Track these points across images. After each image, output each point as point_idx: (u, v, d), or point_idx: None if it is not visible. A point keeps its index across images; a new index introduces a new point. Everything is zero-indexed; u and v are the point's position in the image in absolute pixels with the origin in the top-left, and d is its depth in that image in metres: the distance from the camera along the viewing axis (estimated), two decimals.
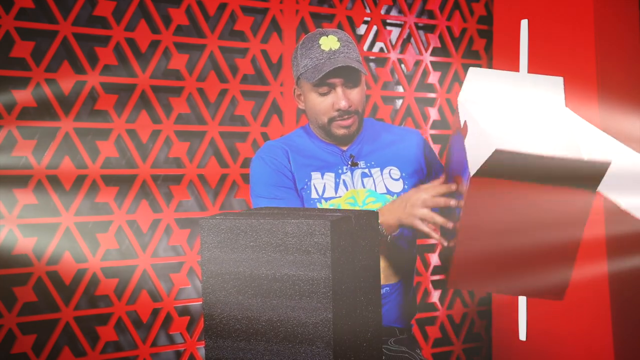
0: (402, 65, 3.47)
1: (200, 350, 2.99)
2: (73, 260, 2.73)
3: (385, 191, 1.96)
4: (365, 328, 1.40)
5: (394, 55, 3.41)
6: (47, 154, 2.71)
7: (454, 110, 3.60)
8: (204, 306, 1.33)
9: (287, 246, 1.27)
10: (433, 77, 3.52)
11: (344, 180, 1.96)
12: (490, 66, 3.65)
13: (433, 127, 3.53)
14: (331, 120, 1.92)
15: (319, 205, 1.95)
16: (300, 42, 1.94)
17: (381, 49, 3.43)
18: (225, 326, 1.32)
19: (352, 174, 1.97)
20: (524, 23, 3.32)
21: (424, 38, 3.54)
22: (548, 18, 3.27)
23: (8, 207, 2.64)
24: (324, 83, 1.88)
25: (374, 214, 1.46)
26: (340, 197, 1.94)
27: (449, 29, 3.59)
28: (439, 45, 3.54)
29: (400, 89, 3.47)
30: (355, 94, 1.91)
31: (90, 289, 2.81)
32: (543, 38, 3.28)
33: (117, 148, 2.86)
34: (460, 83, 3.60)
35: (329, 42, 1.89)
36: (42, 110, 2.74)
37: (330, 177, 1.96)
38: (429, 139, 3.48)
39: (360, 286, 1.38)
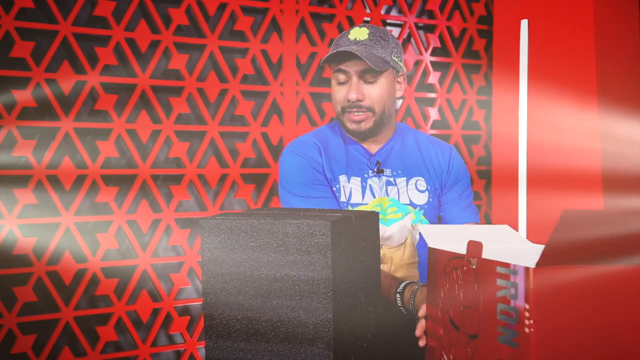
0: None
1: (200, 350, 2.99)
2: (73, 260, 2.73)
3: (408, 202, 1.92)
4: (365, 328, 1.40)
5: None
6: (47, 154, 2.71)
7: (454, 111, 3.60)
8: (204, 306, 1.33)
9: (288, 246, 1.27)
10: (433, 77, 3.52)
11: (370, 186, 1.91)
12: (490, 66, 3.65)
13: (433, 127, 3.53)
14: (343, 110, 1.88)
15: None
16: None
17: None
18: (226, 326, 1.32)
19: (378, 180, 1.92)
20: (524, 23, 3.32)
21: (424, 38, 3.54)
22: (548, 18, 3.27)
23: (8, 207, 2.64)
24: (340, 70, 1.85)
25: (374, 215, 1.46)
26: (367, 204, 1.90)
27: (449, 29, 3.59)
28: (439, 45, 3.54)
29: None
30: (372, 89, 1.85)
31: (90, 289, 2.81)
32: (543, 38, 3.28)
33: (117, 148, 2.86)
34: (461, 83, 3.60)
35: (359, 32, 1.85)
36: (42, 110, 2.74)
37: (356, 181, 1.92)
38: None
39: (361, 287, 1.38)
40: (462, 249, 1.31)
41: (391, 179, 1.93)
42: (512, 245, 1.42)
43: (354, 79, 1.85)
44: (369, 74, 1.85)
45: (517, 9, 3.40)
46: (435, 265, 1.39)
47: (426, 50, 3.51)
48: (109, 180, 2.85)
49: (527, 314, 1.12)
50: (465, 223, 1.95)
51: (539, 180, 3.28)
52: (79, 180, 2.77)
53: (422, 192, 1.94)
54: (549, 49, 3.26)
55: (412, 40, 3.49)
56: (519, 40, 3.34)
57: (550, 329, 1.12)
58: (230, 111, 3.09)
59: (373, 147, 1.96)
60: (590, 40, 3.11)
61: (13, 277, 2.66)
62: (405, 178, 1.94)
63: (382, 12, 3.43)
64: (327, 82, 3.24)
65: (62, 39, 2.75)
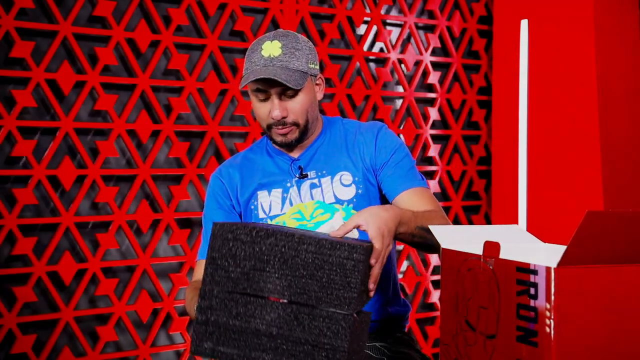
0: (402, 65, 3.47)
1: None
2: (73, 260, 2.73)
3: (334, 200, 1.88)
4: None
5: (394, 55, 3.41)
6: (47, 154, 2.71)
7: (454, 111, 3.60)
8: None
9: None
10: (433, 77, 3.52)
11: (290, 195, 1.90)
12: (490, 66, 3.66)
13: (433, 127, 3.53)
14: (269, 127, 1.86)
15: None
16: (254, 41, 1.87)
17: (381, 49, 3.43)
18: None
19: (299, 187, 1.90)
20: (524, 23, 3.32)
21: (424, 38, 3.54)
22: (548, 18, 3.27)
23: (8, 207, 2.64)
24: (258, 90, 1.82)
25: (367, 315, 1.49)
26: (284, 213, 1.89)
27: (449, 29, 3.59)
28: (439, 45, 3.54)
29: (400, 89, 3.47)
30: (294, 103, 1.83)
31: (90, 289, 2.81)
32: (543, 38, 3.28)
33: (117, 148, 2.86)
34: (461, 83, 3.60)
35: (271, 47, 1.81)
36: (42, 110, 2.74)
37: (277, 193, 1.91)
38: (429, 139, 3.48)
39: None
40: (476, 249, 1.31)
41: (315, 181, 1.90)
42: (525, 245, 1.43)
43: (274, 97, 1.82)
44: (289, 90, 1.82)
45: (517, 9, 3.41)
46: (449, 266, 1.39)
47: (426, 50, 3.51)
48: (109, 180, 2.85)
49: (548, 314, 1.13)
50: (407, 190, 1.86)
51: (539, 180, 3.28)
52: (79, 180, 2.77)
53: (348, 185, 1.90)
54: (549, 49, 3.26)
55: (412, 40, 3.49)
56: (519, 40, 3.34)
57: (571, 329, 1.13)
58: (230, 111, 3.09)
59: (297, 152, 1.93)
60: (590, 40, 3.11)
61: (13, 277, 2.67)
62: (330, 176, 1.91)
63: (382, 12, 3.43)
64: (326, 83, 3.23)
65: (62, 39, 2.75)
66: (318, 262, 1.34)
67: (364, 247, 1.35)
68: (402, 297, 2.04)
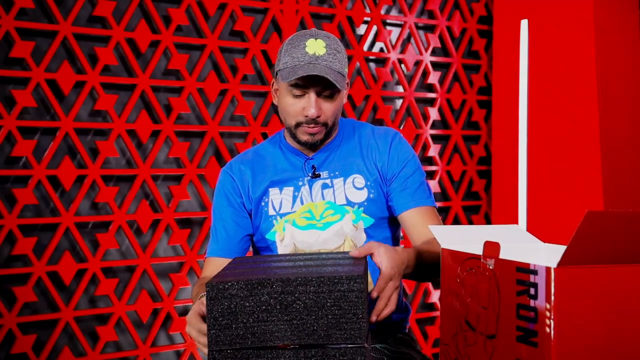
0: (402, 65, 3.47)
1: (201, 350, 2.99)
2: (73, 260, 2.73)
3: (345, 202, 1.88)
4: None
5: (394, 55, 3.41)
6: (47, 154, 2.71)
7: (454, 111, 3.60)
8: None
9: None
10: (433, 77, 3.52)
11: (302, 194, 1.89)
12: (490, 66, 3.66)
13: (433, 127, 3.53)
14: (298, 124, 1.85)
15: (275, 222, 1.89)
16: (290, 38, 1.87)
17: (381, 49, 3.43)
18: None
19: (310, 186, 1.90)
20: (524, 23, 3.32)
21: (424, 38, 3.54)
22: (548, 18, 3.27)
23: (8, 207, 2.64)
24: (298, 86, 1.81)
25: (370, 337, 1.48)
26: (294, 212, 1.88)
27: (449, 29, 3.59)
28: (439, 45, 3.54)
29: (400, 89, 3.47)
30: (329, 105, 1.83)
31: (90, 289, 2.81)
32: (543, 38, 3.28)
33: (117, 148, 2.86)
34: (461, 83, 3.60)
35: (316, 46, 1.81)
36: (42, 110, 2.74)
37: (288, 191, 1.90)
38: (429, 139, 3.48)
39: None
40: (476, 250, 1.31)
41: (328, 181, 1.90)
42: (525, 245, 1.43)
43: (312, 95, 1.82)
44: (327, 91, 1.82)
45: (517, 9, 3.41)
46: (448, 266, 1.39)
47: (426, 50, 3.51)
48: (109, 180, 2.85)
49: (548, 314, 1.13)
50: (414, 209, 1.87)
51: (539, 180, 3.28)
52: (79, 180, 2.77)
53: (360, 189, 1.90)
54: (549, 49, 3.26)
55: (412, 40, 3.49)
56: (519, 40, 3.34)
57: (571, 329, 1.13)
58: (230, 111, 3.09)
59: (311, 152, 1.93)
60: (590, 40, 3.11)
61: (13, 277, 2.67)
62: (342, 178, 1.91)
63: (382, 12, 3.43)
64: None
65: (62, 39, 2.75)
66: (320, 301, 1.32)
67: (362, 275, 1.34)
68: (404, 300, 2.04)
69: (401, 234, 2.03)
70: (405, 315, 2.00)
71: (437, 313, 3.47)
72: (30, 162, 2.68)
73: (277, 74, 1.88)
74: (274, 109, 3.17)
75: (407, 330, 2.03)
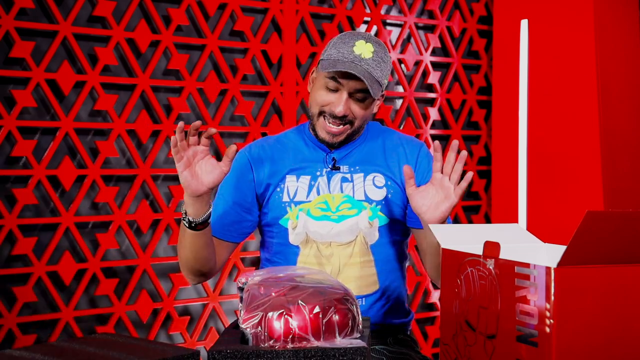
0: (402, 65, 3.47)
1: (201, 350, 2.99)
2: (73, 260, 2.73)
3: (363, 198, 1.90)
4: None
5: (394, 55, 3.41)
6: (47, 154, 2.71)
7: (454, 111, 3.60)
8: None
9: None
10: (433, 77, 3.52)
11: (318, 184, 1.90)
12: (490, 66, 3.66)
13: (433, 127, 3.53)
14: (321, 113, 1.86)
15: (288, 209, 1.89)
16: (342, 33, 1.89)
17: None
18: None
19: (329, 178, 1.91)
20: (524, 23, 3.32)
21: (424, 38, 3.54)
22: (548, 18, 3.27)
23: (8, 207, 2.64)
24: (334, 80, 1.82)
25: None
26: (310, 201, 1.89)
27: (449, 29, 3.59)
28: (439, 45, 3.54)
29: (400, 89, 3.47)
30: (358, 107, 1.85)
31: (90, 289, 2.81)
32: (543, 38, 3.28)
33: (117, 148, 2.86)
34: (461, 83, 3.60)
35: (364, 48, 1.82)
36: (42, 110, 2.74)
37: (305, 180, 1.91)
38: (428, 139, 3.48)
39: None
40: (476, 249, 1.31)
41: (347, 176, 1.92)
42: (525, 245, 1.44)
43: (344, 93, 1.83)
44: (360, 94, 1.83)
45: (517, 9, 3.41)
46: (449, 265, 1.39)
47: (426, 50, 3.51)
48: (109, 180, 2.85)
49: (548, 314, 1.13)
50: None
51: (539, 180, 3.28)
52: (79, 180, 2.77)
53: (380, 188, 1.91)
54: (549, 49, 3.26)
55: (412, 40, 3.49)
56: (519, 40, 3.34)
57: (572, 329, 1.13)
58: (230, 111, 3.09)
59: (332, 147, 1.94)
60: (590, 40, 3.11)
61: (13, 277, 2.67)
62: (362, 174, 1.92)
63: (382, 12, 3.43)
64: None
65: (62, 39, 2.75)
66: None
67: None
68: (406, 305, 2.04)
69: (407, 243, 2.05)
70: (408, 320, 2.01)
71: (437, 313, 3.47)
72: (30, 162, 2.68)
73: (319, 63, 1.89)
74: (274, 109, 3.17)
75: (408, 332, 2.03)
